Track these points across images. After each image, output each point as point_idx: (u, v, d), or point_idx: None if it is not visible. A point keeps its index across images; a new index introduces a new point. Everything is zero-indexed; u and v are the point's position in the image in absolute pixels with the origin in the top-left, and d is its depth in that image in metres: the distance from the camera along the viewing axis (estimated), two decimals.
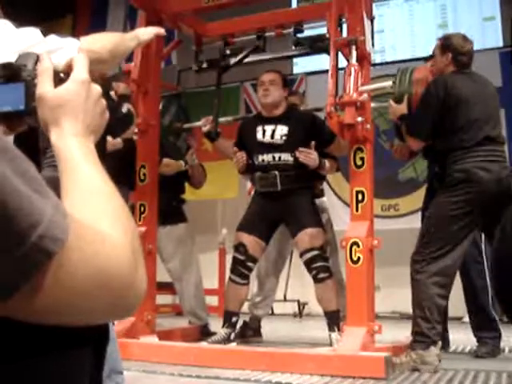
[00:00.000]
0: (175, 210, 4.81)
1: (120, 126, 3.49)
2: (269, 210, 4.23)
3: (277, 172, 4.17)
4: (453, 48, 3.66)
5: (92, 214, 0.70)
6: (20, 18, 1.93)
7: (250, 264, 4.17)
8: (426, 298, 3.32)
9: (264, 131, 4.26)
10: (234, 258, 4.24)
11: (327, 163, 4.23)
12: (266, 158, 4.23)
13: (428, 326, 3.30)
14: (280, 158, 4.18)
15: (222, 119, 4.70)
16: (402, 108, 3.56)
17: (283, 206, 4.16)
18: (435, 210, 3.45)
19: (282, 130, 4.21)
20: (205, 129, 4.50)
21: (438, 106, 3.45)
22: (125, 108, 3.51)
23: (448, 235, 3.36)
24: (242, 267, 4.15)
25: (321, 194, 4.72)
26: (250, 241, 4.21)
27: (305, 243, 4.03)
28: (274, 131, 4.23)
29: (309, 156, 4.08)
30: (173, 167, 4.62)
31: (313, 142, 4.10)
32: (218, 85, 4.52)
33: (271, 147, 4.21)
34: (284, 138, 4.19)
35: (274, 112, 4.28)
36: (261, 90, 4.30)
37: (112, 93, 3.67)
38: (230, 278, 4.21)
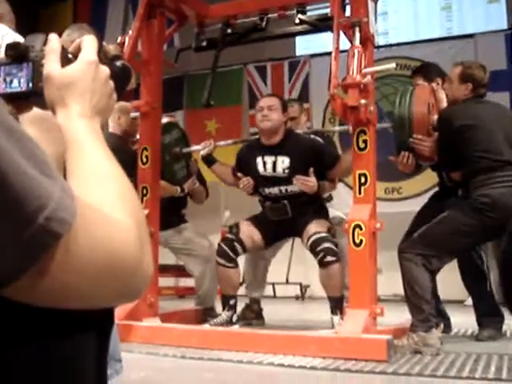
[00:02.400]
0: (178, 216, 4.82)
1: (120, 81, 3.46)
2: (280, 225, 4.26)
3: (286, 201, 4.20)
4: (473, 79, 3.67)
5: (99, 196, 0.69)
6: (21, 3, 1.92)
7: (237, 246, 4.15)
8: (422, 280, 3.35)
9: (264, 163, 4.23)
10: (224, 238, 4.26)
11: (326, 184, 4.26)
12: (273, 190, 4.23)
13: (429, 307, 3.33)
14: (287, 190, 4.19)
15: (221, 142, 4.69)
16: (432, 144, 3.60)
17: (294, 225, 4.16)
18: (450, 220, 3.44)
19: (283, 161, 4.17)
20: (203, 152, 4.48)
21: (453, 137, 3.49)
22: (119, 63, 3.49)
23: (451, 246, 3.43)
24: (228, 248, 4.13)
25: (330, 198, 4.71)
26: (247, 227, 4.22)
27: (310, 230, 4.03)
28: (274, 163, 4.19)
29: (306, 183, 4.06)
30: (166, 191, 4.49)
31: (311, 169, 4.06)
32: (214, 61, 4.39)
33: (275, 180, 4.20)
34: (287, 171, 4.15)
35: (273, 139, 4.22)
36: (259, 115, 4.23)
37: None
38: (216, 262, 4.20)
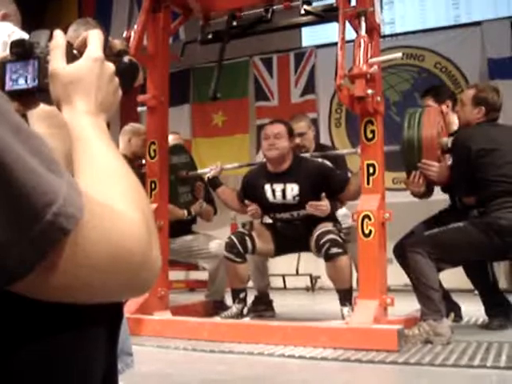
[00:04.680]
0: (186, 228, 4.83)
1: (128, 77, 3.46)
2: (291, 238, 4.27)
3: (298, 222, 4.21)
4: (487, 103, 3.64)
5: (106, 191, 0.70)
6: None
7: (248, 241, 4.14)
8: (428, 270, 3.35)
9: (273, 191, 4.21)
10: (235, 232, 4.25)
11: (338, 204, 4.27)
12: (284, 215, 4.24)
13: (438, 295, 3.34)
14: (298, 214, 4.19)
15: (227, 166, 4.69)
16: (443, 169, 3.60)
17: (305, 239, 4.15)
18: (464, 231, 3.41)
19: (292, 189, 4.15)
20: (209, 175, 4.49)
21: (472, 161, 3.47)
22: (126, 59, 3.50)
23: (458, 256, 3.44)
24: (238, 242, 4.12)
25: (341, 204, 4.69)
26: (261, 229, 4.22)
27: (317, 230, 4.03)
28: (284, 191, 4.17)
29: (319, 208, 4.05)
30: (173, 215, 4.44)
31: (323, 194, 4.05)
32: (220, 54, 4.36)
33: (286, 207, 4.20)
34: (297, 198, 4.14)
35: (281, 167, 4.20)
36: (266, 144, 4.19)
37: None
38: (225, 256, 4.19)
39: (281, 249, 4.35)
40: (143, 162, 4.44)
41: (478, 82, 3.98)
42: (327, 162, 4.34)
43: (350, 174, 4.54)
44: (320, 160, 4.36)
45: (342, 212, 4.64)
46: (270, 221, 4.40)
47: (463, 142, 3.56)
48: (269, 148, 4.16)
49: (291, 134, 4.25)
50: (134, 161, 4.63)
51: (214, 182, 4.50)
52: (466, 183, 3.56)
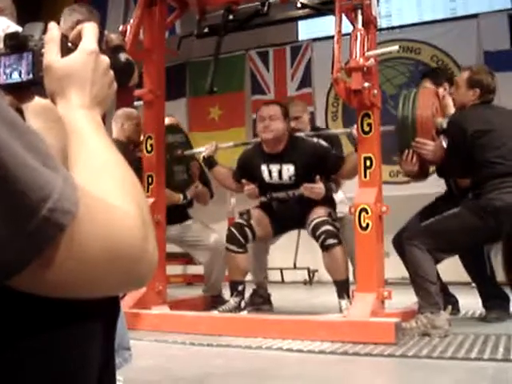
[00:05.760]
0: (182, 213, 4.82)
1: (123, 76, 3.45)
2: (288, 217, 4.29)
3: (294, 201, 4.22)
4: (481, 85, 3.65)
5: (102, 186, 0.69)
6: None
7: (247, 231, 4.16)
8: (426, 263, 3.37)
9: (270, 171, 4.22)
10: (234, 223, 4.26)
11: (333, 186, 4.26)
12: (280, 194, 4.25)
13: (435, 287, 3.34)
14: (294, 193, 4.20)
15: (223, 145, 4.70)
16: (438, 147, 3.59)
17: (301, 216, 4.17)
18: (459, 217, 3.43)
19: (288, 169, 4.16)
20: (205, 154, 4.48)
21: (467, 143, 3.47)
22: (123, 57, 3.49)
23: (455, 243, 3.45)
24: (238, 233, 4.14)
25: (335, 190, 4.69)
26: (258, 214, 4.22)
27: (311, 216, 4.05)
28: (280, 171, 4.18)
29: (313, 190, 4.05)
30: (169, 199, 4.42)
31: (318, 177, 4.04)
32: (217, 48, 4.35)
33: (282, 187, 4.21)
34: (293, 178, 4.15)
35: (277, 148, 4.20)
36: (261, 126, 4.20)
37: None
38: (226, 248, 4.21)
39: (278, 229, 4.36)
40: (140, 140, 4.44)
41: (472, 65, 3.98)
42: (323, 142, 4.34)
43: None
44: (315, 140, 4.37)
45: (338, 198, 4.62)
46: (265, 199, 4.38)
47: (458, 123, 3.57)
48: (264, 130, 4.17)
49: (286, 115, 4.26)
50: (128, 145, 4.62)
51: (210, 162, 4.50)
52: (462, 165, 3.57)
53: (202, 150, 4.57)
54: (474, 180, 3.56)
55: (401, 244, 3.62)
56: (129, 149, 4.61)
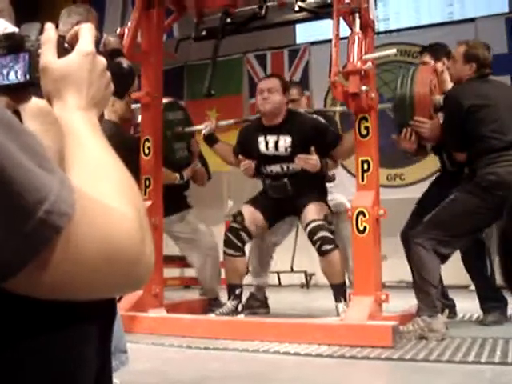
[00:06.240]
0: (181, 200, 4.81)
1: (125, 82, 3.43)
2: (279, 204, 4.25)
3: (287, 179, 4.18)
4: (477, 59, 3.65)
5: (98, 187, 0.69)
6: None
7: (243, 235, 4.15)
8: (431, 265, 3.36)
9: (267, 142, 4.20)
10: (229, 228, 4.25)
11: (329, 162, 4.22)
12: (275, 168, 4.22)
13: (435, 291, 3.34)
14: (288, 167, 4.18)
15: (222, 122, 4.70)
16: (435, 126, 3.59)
17: (294, 204, 4.15)
18: (458, 201, 3.43)
19: (285, 140, 4.15)
20: (205, 131, 4.47)
21: (463, 117, 3.47)
22: (125, 64, 3.47)
23: (462, 228, 3.42)
24: (235, 237, 4.13)
25: (332, 178, 4.69)
26: (250, 212, 4.21)
27: (308, 216, 4.02)
28: (276, 142, 4.17)
29: (308, 161, 4.04)
30: (166, 178, 4.39)
31: (312, 147, 4.03)
32: (215, 51, 4.34)
33: (277, 159, 4.19)
34: (289, 149, 4.13)
35: (275, 120, 4.20)
36: (260, 98, 4.20)
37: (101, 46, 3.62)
38: (224, 252, 4.19)
39: (272, 218, 4.32)
40: (138, 121, 4.44)
41: (468, 39, 3.98)
42: (321, 119, 4.34)
43: None
44: (315, 116, 4.37)
45: (337, 200, 4.61)
46: (260, 177, 4.37)
47: (455, 97, 3.58)
48: (262, 102, 4.17)
49: (286, 88, 4.26)
50: (122, 125, 4.58)
51: (211, 139, 4.49)
52: (458, 139, 3.57)
53: (201, 128, 4.55)
54: (470, 155, 3.55)
55: (408, 240, 3.62)
56: (122, 128, 4.56)
